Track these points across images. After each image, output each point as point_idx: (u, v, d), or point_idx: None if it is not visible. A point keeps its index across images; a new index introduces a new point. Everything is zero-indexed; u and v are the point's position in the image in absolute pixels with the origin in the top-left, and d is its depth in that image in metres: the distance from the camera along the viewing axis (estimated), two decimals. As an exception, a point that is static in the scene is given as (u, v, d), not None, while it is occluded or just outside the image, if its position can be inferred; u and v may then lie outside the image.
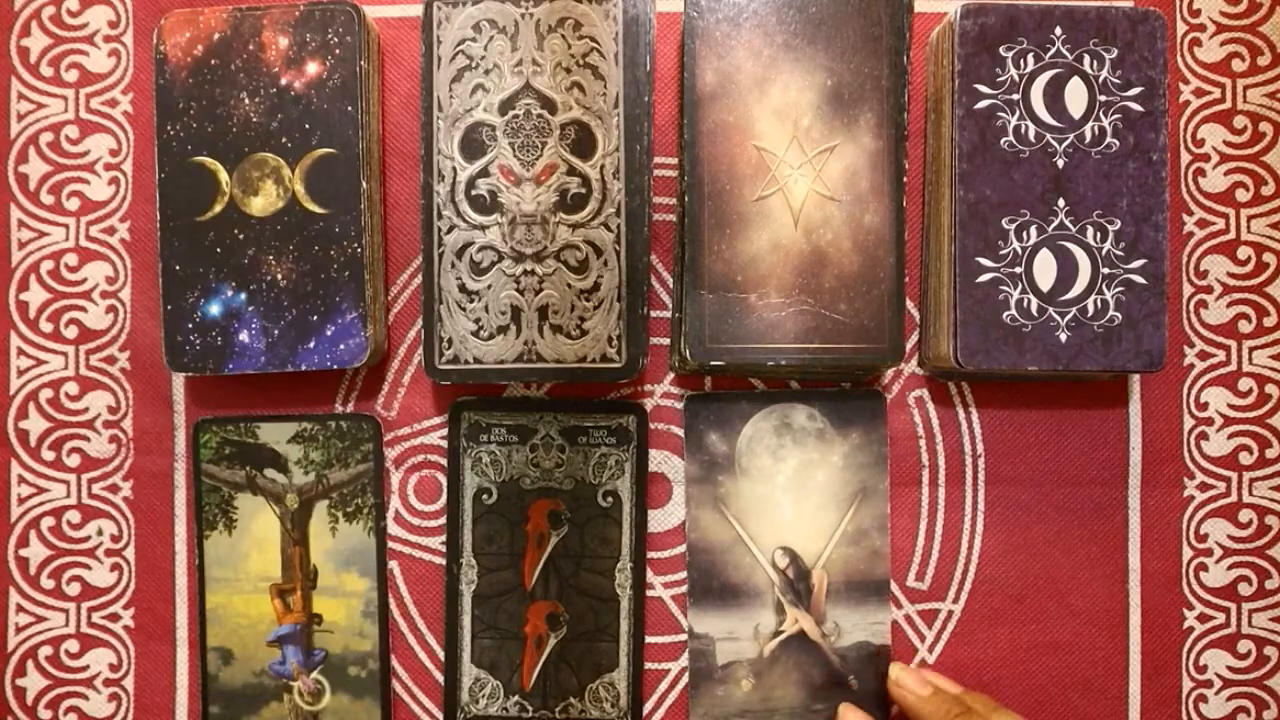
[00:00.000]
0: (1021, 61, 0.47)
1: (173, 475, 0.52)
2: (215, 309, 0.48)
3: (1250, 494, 0.51)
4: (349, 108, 0.48)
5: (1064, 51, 0.47)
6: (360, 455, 0.50)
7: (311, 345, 0.48)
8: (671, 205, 0.51)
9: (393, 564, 0.51)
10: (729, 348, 0.47)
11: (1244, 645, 0.51)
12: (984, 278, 0.47)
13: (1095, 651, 0.51)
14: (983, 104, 0.47)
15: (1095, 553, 0.51)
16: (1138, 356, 0.47)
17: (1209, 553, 0.51)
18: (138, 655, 0.52)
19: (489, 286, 0.48)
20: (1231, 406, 0.51)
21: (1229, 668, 0.51)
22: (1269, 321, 0.51)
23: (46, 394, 0.52)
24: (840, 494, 0.50)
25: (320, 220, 0.48)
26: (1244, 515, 0.51)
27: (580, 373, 0.47)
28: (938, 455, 0.51)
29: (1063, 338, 0.47)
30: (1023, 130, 0.47)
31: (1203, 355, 0.51)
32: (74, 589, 0.51)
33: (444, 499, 0.51)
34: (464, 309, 0.48)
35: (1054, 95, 0.47)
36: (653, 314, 0.51)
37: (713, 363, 0.47)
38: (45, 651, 0.51)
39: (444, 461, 0.51)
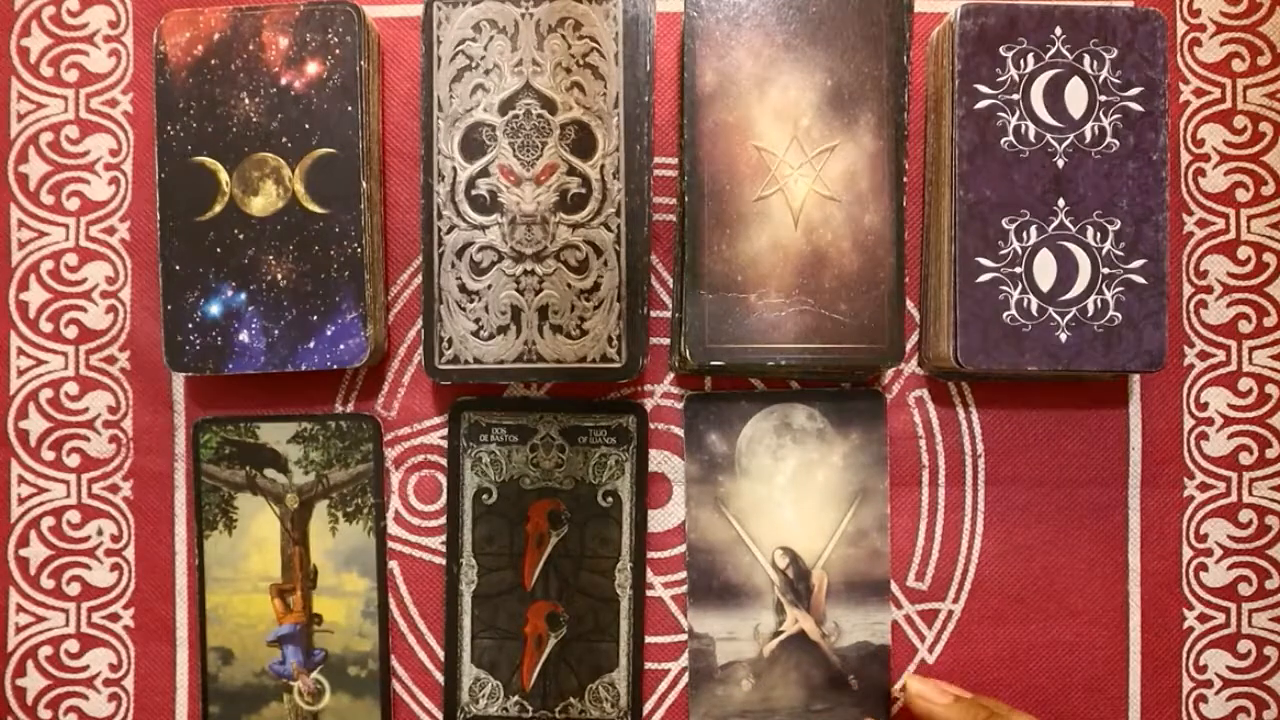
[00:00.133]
0: (1021, 61, 0.47)
1: (173, 475, 0.52)
2: (215, 309, 0.48)
3: (1250, 494, 0.51)
4: (349, 108, 0.48)
5: (1064, 51, 0.47)
6: (360, 455, 0.50)
7: (311, 345, 0.48)
8: (671, 205, 0.51)
9: (393, 564, 0.51)
10: (729, 348, 0.47)
11: (1244, 645, 0.51)
12: (984, 278, 0.47)
13: (1095, 651, 0.51)
14: (983, 104, 0.47)
15: (1095, 553, 0.51)
16: (1138, 356, 0.47)
17: (1209, 553, 0.51)
18: (138, 655, 0.52)
19: (489, 286, 0.48)
20: (1231, 406, 0.51)
21: (1229, 668, 0.51)
22: (1269, 321, 0.51)
23: (46, 394, 0.52)
24: (840, 494, 0.50)
25: (320, 220, 0.48)
26: (1244, 515, 0.51)
27: (580, 373, 0.47)
28: (938, 455, 0.51)
29: (1063, 338, 0.47)
30: (1023, 130, 0.47)
31: (1203, 355, 0.51)
32: (74, 589, 0.51)
33: (444, 499, 0.51)
34: (464, 309, 0.48)
35: (1054, 95, 0.47)
36: (653, 314, 0.51)
37: (713, 363, 0.47)
38: (45, 651, 0.51)
39: (444, 461, 0.51)
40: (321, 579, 0.50)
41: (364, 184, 0.48)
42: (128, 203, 0.52)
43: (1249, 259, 0.51)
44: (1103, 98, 0.47)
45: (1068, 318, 0.47)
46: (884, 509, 0.50)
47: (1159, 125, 0.47)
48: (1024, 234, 0.47)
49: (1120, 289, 0.47)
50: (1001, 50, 0.47)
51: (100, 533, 0.51)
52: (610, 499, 0.50)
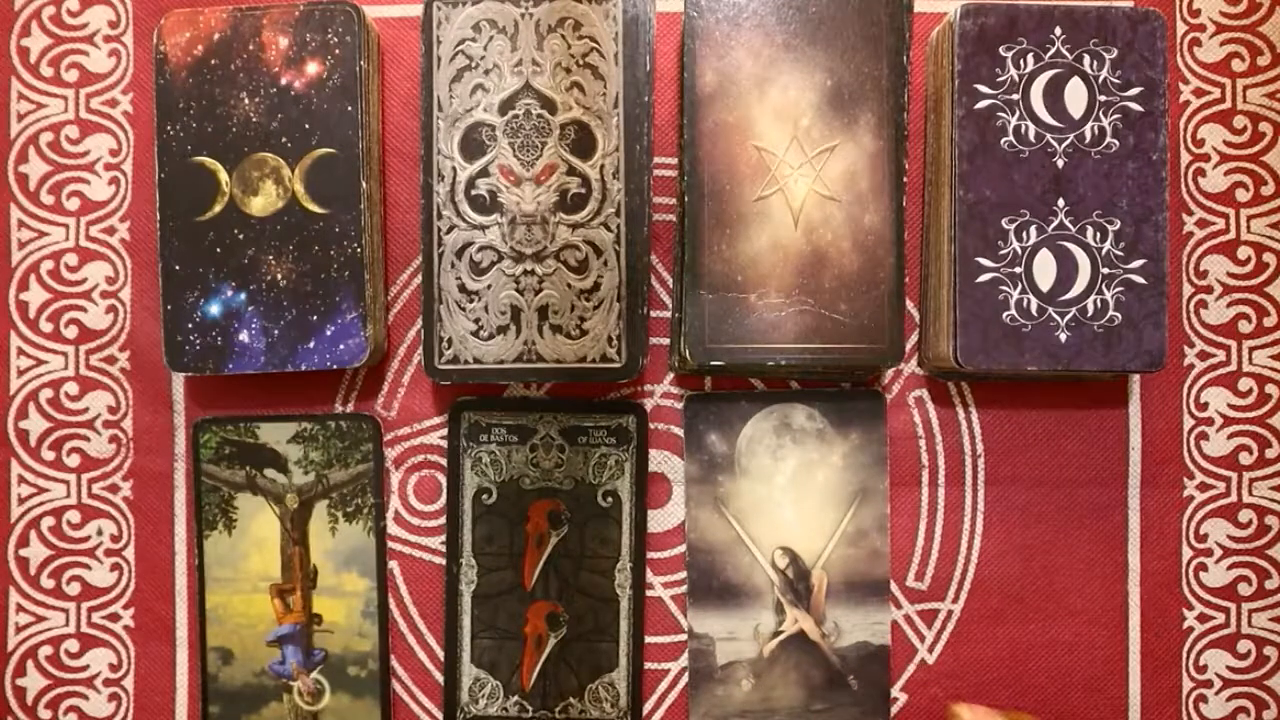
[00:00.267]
0: (1021, 61, 0.47)
1: (173, 475, 0.52)
2: (215, 309, 0.48)
3: (1250, 494, 0.51)
4: (349, 108, 0.48)
5: (1064, 51, 0.47)
6: (360, 455, 0.50)
7: (311, 345, 0.48)
8: (671, 205, 0.51)
9: (393, 564, 0.51)
10: (729, 348, 0.47)
11: (1244, 645, 0.51)
12: (984, 278, 0.47)
13: (1095, 651, 0.51)
14: (983, 104, 0.47)
15: (1095, 553, 0.51)
16: (1138, 356, 0.47)
17: (1209, 553, 0.51)
18: (138, 655, 0.52)
19: (489, 286, 0.48)
20: (1231, 406, 0.51)
21: (1229, 668, 0.51)
22: (1269, 321, 0.51)
23: (47, 394, 0.52)
24: (840, 494, 0.50)
25: (320, 220, 0.48)
26: (1244, 515, 0.51)
27: (580, 373, 0.47)
28: (937, 455, 0.51)
29: (1062, 338, 0.47)
30: (1023, 130, 0.47)
31: (1203, 355, 0.51)
32: (74, 589, 0.51)
33: (444, 499, 0.51)
34: (464, 309, 0.48)
35: (1054, 95, 0.47)
36: (653, 314, 0.51)
37: (713, 363, 0.47)
38: (45, 651, 0.52)
39: (444, 461, 0.51)
40: (321, 579, 0.50)
41: (364, 184, 0.48)
42: (128, 203, 0.52)
43: (1249, 259, 0.51)
44: (1102, 98, 0.47)
45: (1067, 318, 0.47)
46: (884, 509, 0.50)
47: (1159, 125, 0.47)
48: (1024, 234, 0.47)
49: (1120, 289, 0.47)
50: (1001, 50, 0.47)
51: (100, 533, 0.51)
52: (610, 499, 0.50)
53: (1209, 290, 0.51)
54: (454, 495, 0.50)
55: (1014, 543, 0.51)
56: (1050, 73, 0.47)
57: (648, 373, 0.51)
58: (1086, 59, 0.47)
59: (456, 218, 0.48)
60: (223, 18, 0.48)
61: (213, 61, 0.48)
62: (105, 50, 0.52)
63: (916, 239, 0.51)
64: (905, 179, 0.47)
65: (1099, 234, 0.47)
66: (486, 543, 0.50)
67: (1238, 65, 0.51)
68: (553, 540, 0.50)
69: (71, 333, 0.52)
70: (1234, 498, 0.51)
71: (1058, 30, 0.47)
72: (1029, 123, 0.47)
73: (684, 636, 0.51)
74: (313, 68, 0.48)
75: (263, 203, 0.48)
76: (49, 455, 0.52)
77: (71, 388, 0.52)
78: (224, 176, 0.48)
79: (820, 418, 0.51)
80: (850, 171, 0.47)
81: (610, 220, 0.47)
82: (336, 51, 0.48)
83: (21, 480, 0.52)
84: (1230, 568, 0.51)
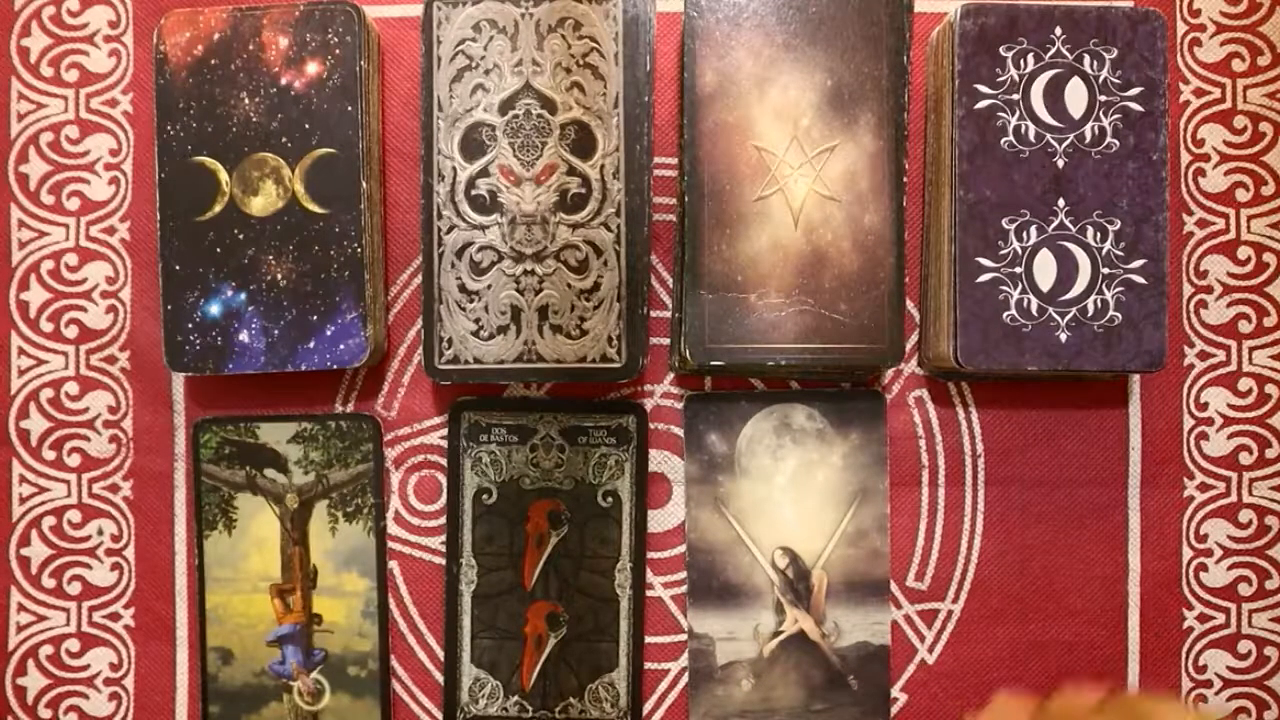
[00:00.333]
0: (1021, 61, 0.47)
1: (173, 475, 0.52)
2: (215, 309, 0.48)
3: (1250, 494, 0.51)
4: (349, 108, 0.48)
5: (1064, 51, 0.47)
6: (360, 455, 0.50)
7: (311, 345, 0.48)
8: (671, 205, 0.51)
9: (393, 564, 0.51)
10: (729, 348, 0.47)
11: (1244, 645, 0.51)
12: (984, 278, 0.47)
13: (1095, 651, 0.51)
14: (983, 104, 0.47)
15: (1095, 553, 0.51)
16: (1138, 356, 0.47)
17: (1209, 553, 0.51)
18: (138, 655, 0.52)
19: (489, 286, 0.48)
20: (1231, 406, 0.51)
21: (1229, 668, 0.51)
22: (1269, 321, 0.51)
23: (47, 394, 0.52)
24: (840, 494, 0.50)
25: (320, 220, 0.48)
26: (1244, 515, 0.51)
27: (580, 373, 0.47)
28: (937, 455, 0.51)
29: (1063, 338, 0.47)
30: (1023, 130, 0.47)
31: (1203, 355, 0.51)
32: (75, 588, 0.52)
33: (444, 499, 0.51)
34: (464, 309, 0.48)
35: (1054, 95, 0.47)
36: (653, 314, 0.51)
37: (713, 363, 0.47)
38: (46, 651, 0.52)
39: (444, 461, 0.51)
40: (321, 579, 0.50)
41: (364, 184, 0.48)
42: (128, 203, 0.52)
43: (1249, 259, 0.51)
44: (1103, 98, 0.47)
45: (1068, 318, 0.47)
46: (884, 509, 0.50)
47: (1159, 125, 0.47)
48: (1024, 234, 0.47)
49: (1120, 289, 0.47)
50: (1001, 50, 0.47)
51: (101, 532, 0.51)
52: (610, 499, 0.50)
53: (1209, 290, 0.51)
54: (454, 495, 0.50)
55: (1014, 543, 0.51)
56: (1050, 73, 0.47)
57: (648, 373, 0.51)
58: (1087, 59, 0.47)
59: (456, 218, 0.48)
60: (223, 18, 0.48)
61: (213, 61, 0.48)
62: (105, 50, 0.52)
63: (916, 239, 0.51)
64: (905, 179, 0.47)
65: (1099, 234, 0.47)
66: (486, 543, 0.50)
67: (1238, 65, 0.51)
68: (553, 540, 0.50)
69: (72, 333, 0.52)
70: (1234, 498, 0.51)
71: (1058, 30, 0.47)
72: (1029, 123, 0.47)
73: (684, 636, 0.51)
74: (313, 68, 0.48)
75: (263, 203, 0.48)
76: (50, 455, 0.52)
77: (72, 387, 0.52)
78: (224, 176, 0.48)
79: (820, 418, 0.51)
80: (850, 171, 0.47)
81: (610, 220, 0.47)
82: (336, 51, 0.48)
83: (23, 480, 0.52)
84: (1230, 568, 0.51)
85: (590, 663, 0.50)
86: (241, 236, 0.48)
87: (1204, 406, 0.51)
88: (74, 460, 0.52)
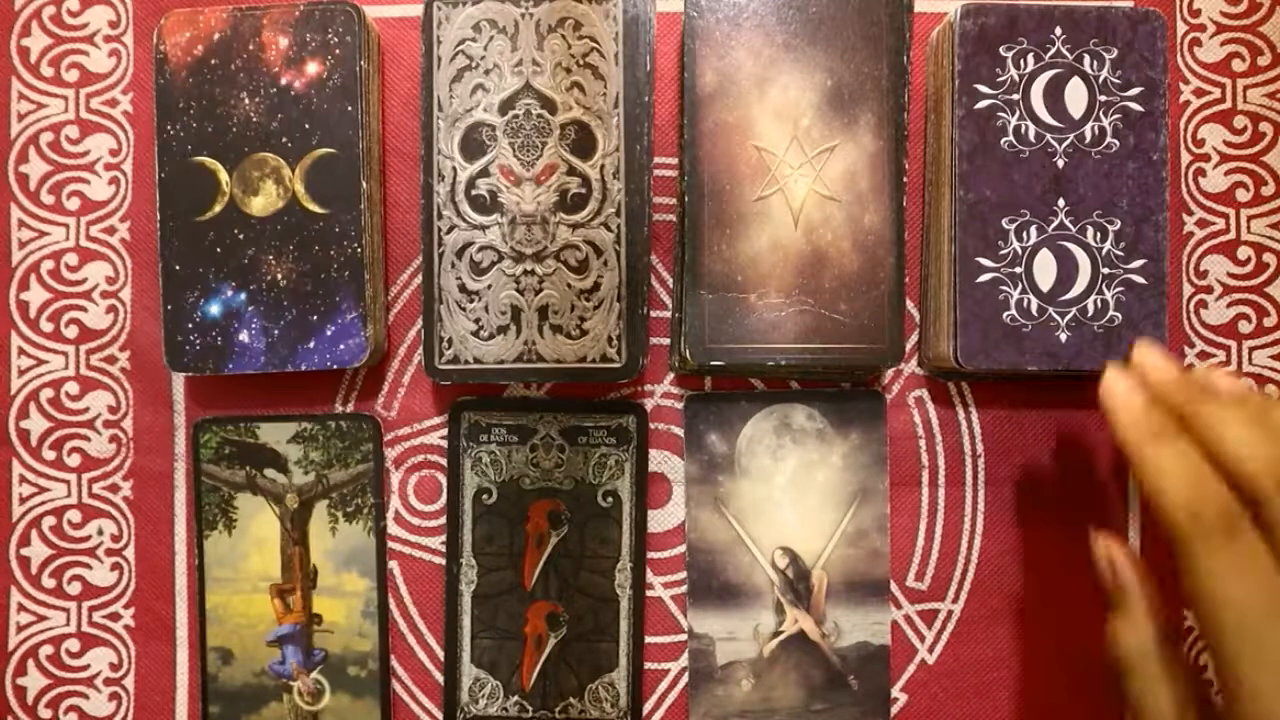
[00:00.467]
0: (1021, 61, 0.47)
1: (173, 475, 0.52)
2: (215, 309, 0.48)
3: (1250, 494, 0.51)
4: (349, 108, 0.48)
5: (1064, 51, 0.47)
6: (360, 455, 0.50)
7: (311, 345, 0.48)
8: (671, 205, 0.51)
9: (393, 564, 0.51)
10: (729, 348, 0.47)
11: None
12: (984, 278, 0.47)
13: (1095, 652, 0.51)
14: (983, 104, 0.47)
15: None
16: (1138, 357, 0.47)
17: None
18: (138, 655, 0.52)
19: (489, 286, 0.48)
20: (1231, 406, 0.51)
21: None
22: (1269, 321, 0.51)
23: (47, 394, 0.52)
24: (840, 494, 0.50)
25: (320, 220, 0.48)
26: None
27: (580, 373, 0.47)
28: (938, 455, 0.51)
29: (1063, 338, 0.47)
30: (1023, 130, 0.47)
31: (1203, 355, 0.51)
32: (75, 588, 0.52)
33: (444, 499, 0.51)
34: (464, 309, 0.48)
35: (1054, 95, 0.47)
36: (653, 314, 0.51)
37: (713, 363, 0.47)
38: (46, 651, 0.52)
39: (444, 461, 0.51)
40: (321, 579, 0.50)
41: (364, 184, 0.48)
42: (128, 203, 0.52)
43: (1249, 259, 0.51)
44: (1103, 98, 0.47)
45: (1068, 318, 0.47)
46: (884, 509, 0.50)
47: (1159, 125, 0.47)
48: (1024, 234, 0.47)
49: (1120, 289, 0.47)
50: (1001, 50, 0.47)
51: (101, 532, 0.52)
52: (610, 499, 0.50)
53: (1209, 290, 0.51)
54: (454, 495, 0.50)
55: (1014, 543, 0.51)
56: (1050, 73, 0.47)
57: (648, 373, 0.51)
58: (1087, 59, 0.47)
59: (457, 218, 0.48)
60: (223, 18, 0.48)
61: (213, 61, 0.48)
62: (105, 50, 0.52)
63: (916, 239, 0.51)
64: (905, 179, 0.47)
65: (1099, 234, 0.47)
66: (486, 543, 0.50)
67: (1238, 65, 0.51)
68: (553, 540, 0.50)
69: (72, 333, 0.52)
70: (1234, 498, 0.51)
71: (1058, 30, 0.47)
72: (1029, 123, 0.47)
73: (684, 636, 0.51)
74: (313, 68, 0.48)
75: (263, 203, 0.48)
76: (50, 455, 0.52)
77: (72, 387, 0.52)
78: (224, 176, 0.48)
79: (820, 418, 0.51)
80: (850, 171, 0.47)
81: (610, 220, 0.47)
82: (336, 51, 0.48)
83: (23, 480, 0.52)
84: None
85: (590, 663, 0.50)
86: (241, 236, 0.48)
87: (1204, 406, 0.51)
88: (74, 460, 0.52)
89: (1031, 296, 0.47)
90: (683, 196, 0.48)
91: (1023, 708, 0.51)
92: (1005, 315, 0.47)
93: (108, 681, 0.52)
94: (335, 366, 0.48)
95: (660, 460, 0.51)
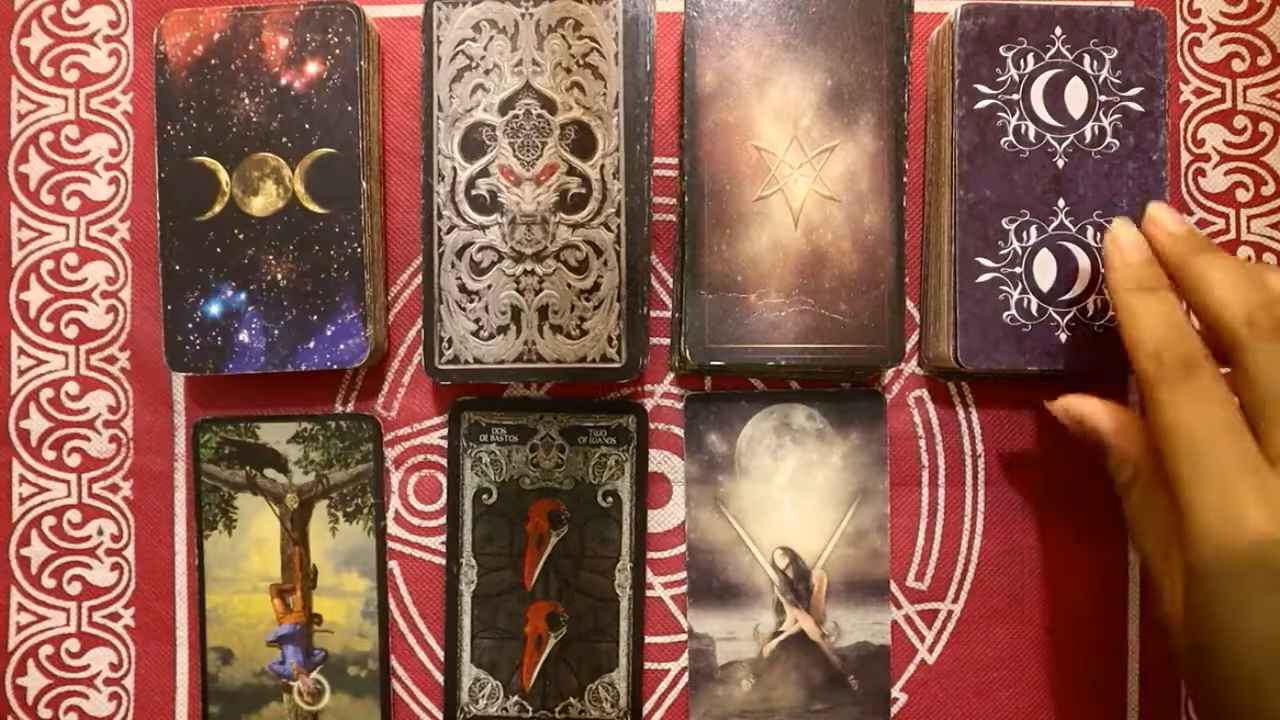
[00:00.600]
0: (1022, 61, 0.47)
1: (173, 475, 0.52)
2: (215, 309, 0.48)
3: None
4: (349, 108, 0.48)
5: (1064, 51, 0.47)
6: (360, 455, 0.50)
7: (311, 345, 0.48)
8: (671, 205, 0.51)
9: (393, 564, 0.51)
10: (729, 348, 0.47)
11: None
12: (984, 278, 0.47)
13: (1095, 651, 0.51)
14: (983, 104, 0.47)
15: (1095, 553, 0.51)
16: (1138, 357, 0.47)
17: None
18: (138, 655, 0.52)
19: (489, 286, 0.48)
20: (1231, 406, 0.51)
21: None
22: (1269, 321, 0.51)
23: (47, 394, 0.52)
24: (840, 494, 0.50)
25: (320, 220, 0.48)
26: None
27: (580, 373, 0.47)
28: (938, 455, 0.51)
29: (1062, 338, 0.47)
30: (1023, 130, 0.47)
31: (1203, 355, 0.51)
32: (75, 588, 0.52)
33: (444, 499, 0.51)
34: (464, 309, 0.48)
35: (1054, 95, 0.47)
36: (653, 314, 0.51)
37: (713, 363, 0.47)
38: (46, 651, 0.52)
39: (444, 461, 0.51)
40: (321, 579, 0.50)
41: (364, 184, 0.48)
42: (128, 203, 0.52)
43: (1249, 259, 0.51)
44: (1103, 98, 0.47)
45: (1068, 318, 0.47)
46: (884, 509, 0.50)
47: (1159, 125, 0.47)
48: (1024, 234, 0.47)
49: (1120, 289, 0.47)
50: (1001, 50, 0.47)
51: (100, 532, 0.52)
52: (610, 499, 0.50)
53: (1209, 290, 0.51)
54: (454, 495, 0.50)
55: (1014, 543, 0.51)
56: (1050, 73, 0.47)
57: (648, 373, 0.51)
58: (1087, 59, 0.47)
59: (457, 218, 0.48)
60: (223, 18, 0.48)
61: (213, 61, 0.48)
62: (105, 50, 0.52)
63: (916, 239, 0.51)
64: (905, 179, 0.47)
65: (1099, 234, 0.47)
66: (486, 543, 0.50)
67: (1238, 65, 0.51)
68: (553, 540, 0.50)
69: (72, 332, 0.52)
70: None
71: (1058, 30, 0.47)
72: (1029, 123, 0.47)
73: (684, 636, 0.51)
74: (313, 68, 0.48)
75: (263, 203, 0.48)
76: (50, 455, 0.52)
77: (72, 387, 0.52)
78: (224, 176, 0.48)
79: (820, 418, 0.51)
80: (850, 171, 0.47)
81: (610, 220, 0.47)
82: (336, 51, 0.48)
83: (23, 480, 0.52)
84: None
85: (590, 663, 0.50)
86: (241, 236, 0.48)
87: (1204, 406, 0.51)
88: (74, 460, 0.52)
89: (1031, 296, 0.47)
90: (683, 196, 0.48)
91: (1023, 708, 0.51)
92: (1005, 315, 0.47)
93: (108, 681, 0.52)
94: (335, 366, 0.48)
95: (660, 460, 0.51)
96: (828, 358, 0.47)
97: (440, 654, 0.51)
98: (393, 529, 0.51)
